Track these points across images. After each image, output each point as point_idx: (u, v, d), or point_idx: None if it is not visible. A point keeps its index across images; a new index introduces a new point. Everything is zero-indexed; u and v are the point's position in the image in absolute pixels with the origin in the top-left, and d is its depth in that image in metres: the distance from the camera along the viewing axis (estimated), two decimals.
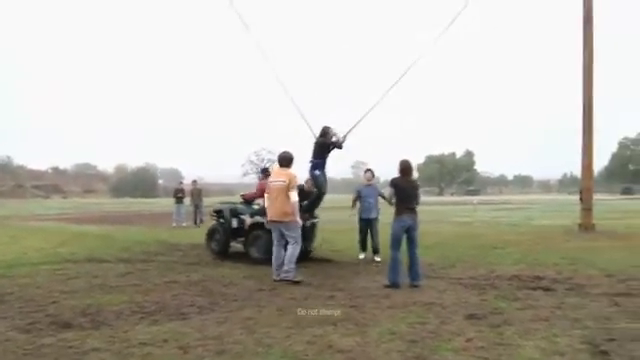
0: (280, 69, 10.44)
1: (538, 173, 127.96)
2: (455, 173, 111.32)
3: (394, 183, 6.89)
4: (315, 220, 9.47)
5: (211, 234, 10.20)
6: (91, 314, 5.29)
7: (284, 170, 7.45)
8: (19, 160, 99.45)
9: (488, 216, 23.94)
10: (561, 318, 5.09)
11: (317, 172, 9.01)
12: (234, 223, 9.82)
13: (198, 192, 19.68)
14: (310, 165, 9.08)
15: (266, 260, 8.18)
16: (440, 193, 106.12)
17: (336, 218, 15.24)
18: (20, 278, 7.49)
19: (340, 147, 9.17)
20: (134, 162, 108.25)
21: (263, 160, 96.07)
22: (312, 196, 9.12)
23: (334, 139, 9.05)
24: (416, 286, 6.56)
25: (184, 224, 18.81)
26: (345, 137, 9.14)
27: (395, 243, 6.77)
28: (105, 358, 3.92)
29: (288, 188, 7.13)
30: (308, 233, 8.93)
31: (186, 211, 19.58)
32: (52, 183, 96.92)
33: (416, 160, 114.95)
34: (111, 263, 9.10)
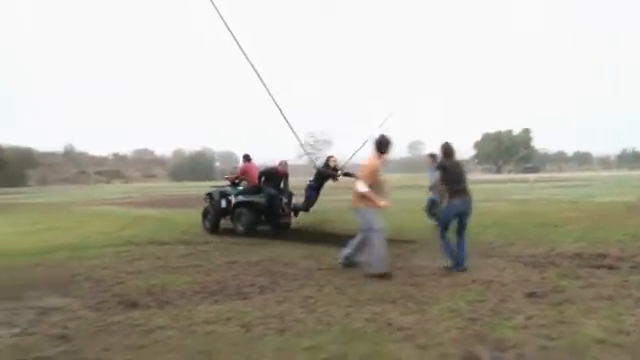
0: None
1: (597, 149, 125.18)
2: (512, 150, 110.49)
3: (442, 166, 6.77)
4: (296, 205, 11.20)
5: (205, 214, 12.00)
6: (155, 294, 5.60)
7: (371, 156, 6.82)
8: (81, 147, 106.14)
9: (547, 193, 23.62)
10: (625, 297, 5.01)
11: (312, 193, 10.81)
12: (223, 203, 11.60)
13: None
14: (307, 185, 10.93)
15: (248, 234, 10.61)
16: (497, 171, 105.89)
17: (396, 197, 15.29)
18: (87, 260, 7.99)
19: (335, 179, 10.80)
20: (191, 146, 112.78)
21: (317, 141, 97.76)
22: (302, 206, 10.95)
23: (336, 172, 10.73)
24: (461, 271, 6.45)
25: None
26: (341, 173, 10.78)
27: (444, 228, 6.66)
28: (170, 335, 4.17)
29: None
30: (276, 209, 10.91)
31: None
32: (113, 169, 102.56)
33: (473, 138, 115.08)
34: (172, 245, 9.52)
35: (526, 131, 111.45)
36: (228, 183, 12.15)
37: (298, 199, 11.39)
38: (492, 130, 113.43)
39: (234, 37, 10.09)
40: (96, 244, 9.87)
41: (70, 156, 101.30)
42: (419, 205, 12.79)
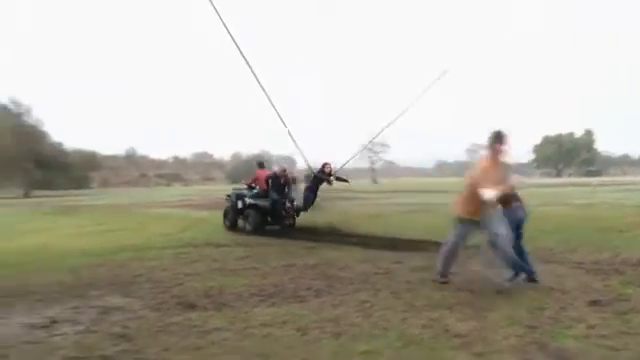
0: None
1: None
2: (574, 153, 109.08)
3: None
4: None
5: (225, 214, 13.69)
6: (213, 295, 5.74)
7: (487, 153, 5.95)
8: (142, 151, 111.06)
9: (610, 198, 22.93)
10: None
11: (309, 194, 12.29)
12: (239, 204, 13.11)
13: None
14: (305, 187, 12.46)
15: (255, 232, 12.12)
16: (558, 175, 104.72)
17: (449, 202, 15.16)
18: (148, 261, 8.28)
19: (330, 183, 12.47)
20: (249, 149, 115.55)
21: (376, 145, 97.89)
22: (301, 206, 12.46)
23: (330, 177, 12.36)
24: (535, 280, 6.02)
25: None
26: (334, 178, 12.49)
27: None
28: (227, 337, 4.26)
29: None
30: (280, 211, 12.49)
31: (300, 197, 20.53)
32: (173, 172, 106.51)
33: (532, 141, 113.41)
34: (230, 247, 9.75)
35: (588, 133, 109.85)
36: (245, 187, 13.67)
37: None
38: (552, 133, 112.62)
39: (234, 41, 10.77)
40: (156, 245, 10.25)
41: (132, 159, 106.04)
42: None
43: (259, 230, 12.23)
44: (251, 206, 12.74)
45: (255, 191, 13.07)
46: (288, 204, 12.56)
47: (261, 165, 13.87)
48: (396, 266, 7.31)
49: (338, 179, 12.66)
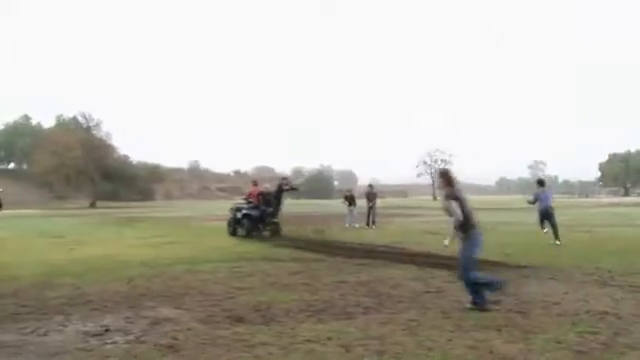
0: None
1: None
2: None
3: (455, 197, 5.94)
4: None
5: (229, 223, 16.93)
6: (262, 310, 5.84)
7: None
8: (205, 164, 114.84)
9: None
10: None
11: (274, 202, 16.10)
12: (238, 215, 16.39)
13: (373, 195, 20.82)
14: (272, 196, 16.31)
15: (247, 237, 15.52)
16: (626, 193, 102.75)
17: (510, 220, 15.00)
18: (202, 274, 8.51)
19: (289, 190, 17.47)
20: (311, 164, 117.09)
21: (437, 161, 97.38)
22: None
23: (286, 187, 16.79)
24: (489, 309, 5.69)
25: (356, 225, 19.89)
26: (289, 188, 17.14)
27: (474, 266, 5.93)
28: (272, 352, 4.32)
29: None
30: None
31: (358, 212, 20.74)
32: (234, 185, 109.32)
33: (598, 159, 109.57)
34: (284, 262, 9.90)
35: None
36: (246, 200, 17.05)
37: None
38: (620, 150, 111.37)
39: None
40: (211, 259, 10.56)
41: (195, 172, 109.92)
42: (537, 228, 13.22)
43: (250, 235, 15.66)
44: (245, 216, 16.11)
45: (250, 204, 16.41)
46: (272, 214, 16.20)
47: (255, 183, 17.70)
48: (448, 285, 7.21)
49: (292, 189, 17.87)
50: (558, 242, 12.14)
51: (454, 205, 5.84)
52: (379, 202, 22.42)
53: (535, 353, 4.18)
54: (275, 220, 16.18)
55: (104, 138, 76.01)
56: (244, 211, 16.21)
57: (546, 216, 12.86)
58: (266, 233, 16.11)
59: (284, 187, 16.59)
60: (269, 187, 17.41)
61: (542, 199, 13.01)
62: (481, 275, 6.00)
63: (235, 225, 16.42)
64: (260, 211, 15.98)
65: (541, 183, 13.72)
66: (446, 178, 6.13)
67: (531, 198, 13.22)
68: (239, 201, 18.35)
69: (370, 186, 22.15)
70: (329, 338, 4.67)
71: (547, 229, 13.01)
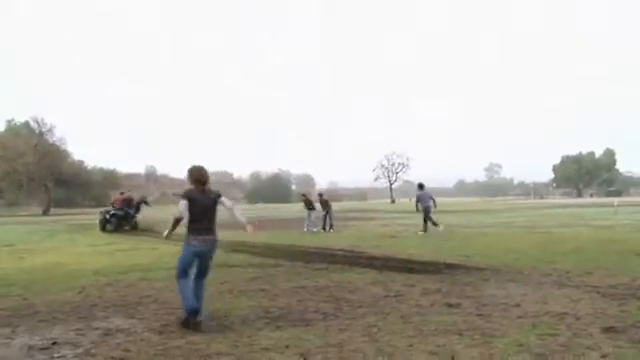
0: None
1: None
2: (594, 173, 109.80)
3: (187, 196, 5.67)
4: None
5: (100, 221, 22.80)
6: (218, 318, 5.68)
7: None
8: (162, 170, 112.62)
9: (631, 219, 22.68)
10: None
11: (131, 209, 23.39)
12: (107, 216, 22.66)
13: (325, 202, 20.61)
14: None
15: (115, 231, 21.79)
16: (578, 195, 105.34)
17: (468, 222, 15.33)
18: (157, 282, 8.21)
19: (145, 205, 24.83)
20: (268, 169, 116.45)
21: (394, 164, 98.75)
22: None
23: (144, 201, 24.84)
24: (197, 323, 5.38)
25: (314, 229, 19.77)
26: (142, 201, 24.65)
27: (182, 273, 5.60)
28: None
29: None
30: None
31: (316, 217, 20.58)
32: None
33: (552, 160, 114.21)
34: (241, 267, 9.69)
35: (609, 153, 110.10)
36: (111, 206, 23.57)
37: None
38: (572, 152, 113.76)
39: None
40: (167, 266, 10.22)
41: (152, 178, 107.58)
42: (495, 230, 14.06)
43: (117, 229, 21.96)
44: (113, 215, 22.55)
45: (117, 208, 22.82)
46: (132, 214, 23.07)
47: (122, 193, 25.11)
48: (408, 289, 7.17)
49: (145, 203, 24.85)
50: (421, 233, 15.63)
51: (182, 203, 5.58)
52: (336, 206, 22.48)
53: (496, 357, 4.16)
54: (135, 219, 23.08)
55: (57, 143, 73.19)
56: (112, 212, 22.71)
57: (426, 213, 15.95)
58: (127, 228, 22.52)
59: (143, 200, 24.87)
60: (132, 194, 25.18)
61: (423, 200, 16.17)
62: (186, 289, 5.57)
63: (105, 223, 22.38)
64: (124, 213, 22.73)
65: (421, 187, 17.05)
66: (190, 176, 5.82)
67: (414, 200, 16.58)
68: (107, 208, 24.42)
69: (320, 195, 22.09)
70: (287, 346, 4.54)
71: (441, 226, 15.72)
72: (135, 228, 22.50)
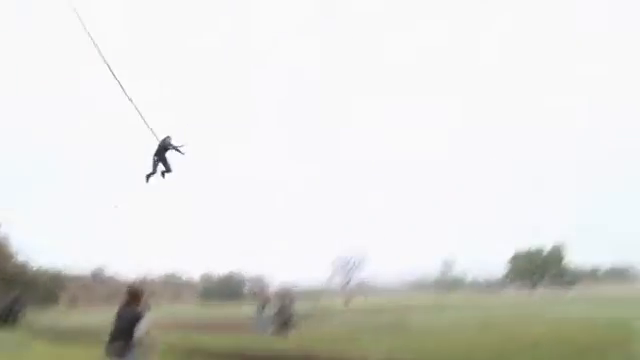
0: None
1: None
2: (543, 269, 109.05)
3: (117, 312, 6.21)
4: None
5: None
6: None
7: None
8: (113, 268, 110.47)
9: (582, 312, 23.18)
10: None
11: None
12: None
13: (282, 298, 20.82)
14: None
15: None
16: (533, 287, 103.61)
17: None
18: None
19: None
20: (219, 270, 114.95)
21: (348, 263, 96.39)
22: None
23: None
24: None
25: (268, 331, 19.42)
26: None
27: None
28: None
29: None
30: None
31: (268, 316, 20.23)
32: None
33: (506, 255, 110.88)
34: None
35: (557, 249, 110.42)
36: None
37: None
38: (523, 248, 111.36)
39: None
40: None
41: (98, 279, 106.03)
42: (449, 329, 13.81)
43: None
44: None
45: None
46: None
47: None
48: None
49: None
50: None
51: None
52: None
53: None
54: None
55: (1, 243, 72.77)
56: None
57: None
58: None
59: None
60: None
61: None
62: None
63: None
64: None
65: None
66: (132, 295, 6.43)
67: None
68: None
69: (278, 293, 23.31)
70: None
71: None
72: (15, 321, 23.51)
